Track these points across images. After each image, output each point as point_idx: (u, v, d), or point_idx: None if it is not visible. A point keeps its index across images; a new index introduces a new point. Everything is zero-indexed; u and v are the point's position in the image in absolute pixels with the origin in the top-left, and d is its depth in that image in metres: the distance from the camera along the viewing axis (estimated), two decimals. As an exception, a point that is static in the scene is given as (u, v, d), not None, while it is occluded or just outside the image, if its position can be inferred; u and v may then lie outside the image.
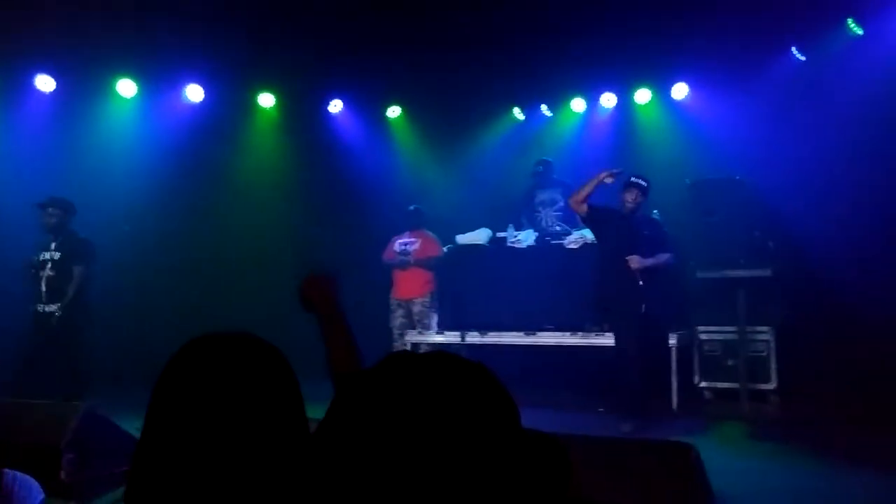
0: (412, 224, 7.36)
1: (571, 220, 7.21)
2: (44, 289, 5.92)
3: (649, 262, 5.53)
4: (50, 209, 5.96)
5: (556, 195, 7.49)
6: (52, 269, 5.95)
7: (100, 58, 7.51)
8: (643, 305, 5.46)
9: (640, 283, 5.48)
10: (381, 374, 0.78)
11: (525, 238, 6.94)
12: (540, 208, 7.55)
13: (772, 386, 5.92)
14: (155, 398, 1.06)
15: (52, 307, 5.90)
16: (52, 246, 6.00)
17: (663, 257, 5.66)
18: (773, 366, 5.93)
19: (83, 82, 7.84)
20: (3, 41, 6.92)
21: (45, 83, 7.72)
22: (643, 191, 5.63)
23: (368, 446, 0.72)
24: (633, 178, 5.68)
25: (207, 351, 1.08)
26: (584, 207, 5.64)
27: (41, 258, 5.98)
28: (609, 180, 5.67)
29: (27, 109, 7.74)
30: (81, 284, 5.98)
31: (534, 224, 7.38)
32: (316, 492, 0.75)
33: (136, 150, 8.08)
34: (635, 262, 5.45)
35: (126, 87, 8.08)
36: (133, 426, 4.01)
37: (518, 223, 7.31)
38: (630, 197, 5.62)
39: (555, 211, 7.49)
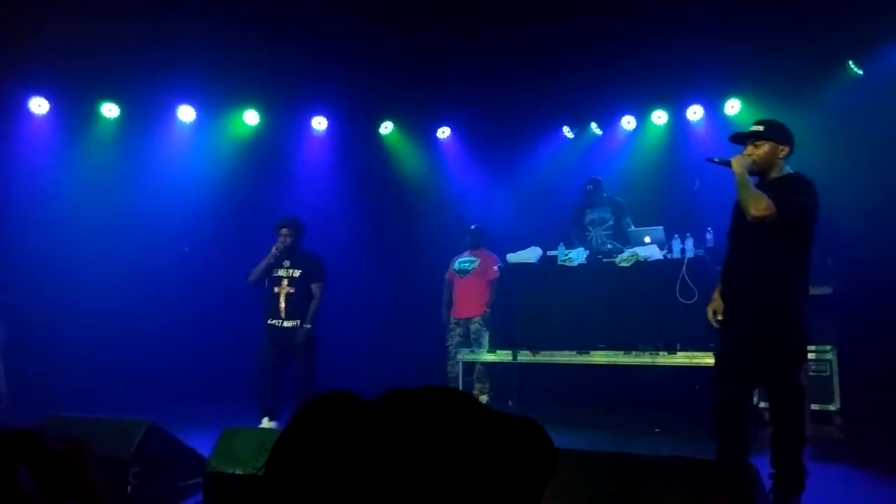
0: (473, 243, 7.44)
1: (622, 239, 7.16)
2: (283, 305, 6.05)
3: None
4: (284, 230, 6.08)
5: (606, 214, 7.47)
6: (290, 285, 6.08)
7: (159, 85, 7.81)
8: None
9: None
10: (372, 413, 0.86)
11: (576, 256, 6.90)
12: (590, 227, 7.53)
13: (835, 407, 5.74)
14: (274, 455, 1.23)
15: (291, 323, 6.03)
16: (287, 264, 6.12)
17: None
18: (836, 386, 5.75)
19: (145, 109, 8.17)
20: (68, 72, 7.27)
21: (109, 110, 8.08)
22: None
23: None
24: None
25: (322, 413, 1.24)
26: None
27: (277, 275, 6.10)
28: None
29: (92, 135, 8.10)
30: (321, 301, 6.16)
31: (584, 243, 7.36)
32: None
33: (193, 172, 8.36)
34: None
35: (185, 113, 8.38)
36: (195, 441, 4.12)
37: (568, 242, 7.30)
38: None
39: (605, 230, 7.45)
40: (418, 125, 9.33)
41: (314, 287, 6.13)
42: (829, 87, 7.18)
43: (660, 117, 8.51)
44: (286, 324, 6.04)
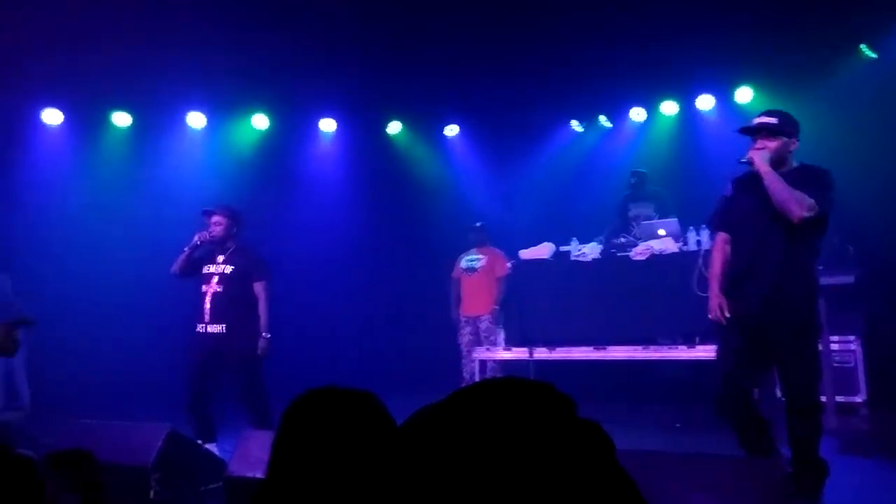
0: (478, 241, 7.38)
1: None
2: (207, 306, 5.05)
3: None
4: (216, 217, 5.19)
5: (650, 210, 7.23)
6: (218, 283, 5.08)
7: (169, 93, 7.83)
8: None
9: None
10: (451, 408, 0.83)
11: (590, 251, 6.84)
12: (634, 223, 7.30)
13: (861, 398, 5.66)
14: (277, 443, 1.29)
15: (216, 328, 5.03)
16: (220, 259, 5.17)
17: None
18: (862, 377, 5.67)
19: (155, 116, 8.20)
20: (80, 83, 7.31)
21: (121, 119, 8.12)
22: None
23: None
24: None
25: (320, 404, 1.30)
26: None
27: (208, 272, 5.16)
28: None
29: (105, 144, 8.14)
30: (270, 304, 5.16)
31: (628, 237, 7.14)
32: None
33: (205, 178, 8.36)
34: None
35: (195, 120, 8.40)
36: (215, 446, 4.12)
37: (610, 237, 7.10)
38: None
39: None
40: (426, 124, 9.31)
41: (257, 287, 5.13)
42: (842, 71, 7.08)
43: (670, 108, 8.42)
44: (211, 328, 5.04)
